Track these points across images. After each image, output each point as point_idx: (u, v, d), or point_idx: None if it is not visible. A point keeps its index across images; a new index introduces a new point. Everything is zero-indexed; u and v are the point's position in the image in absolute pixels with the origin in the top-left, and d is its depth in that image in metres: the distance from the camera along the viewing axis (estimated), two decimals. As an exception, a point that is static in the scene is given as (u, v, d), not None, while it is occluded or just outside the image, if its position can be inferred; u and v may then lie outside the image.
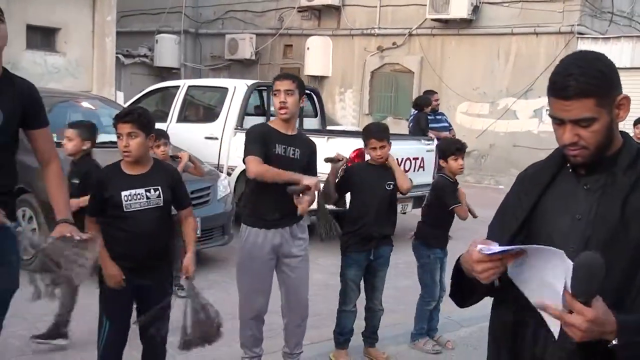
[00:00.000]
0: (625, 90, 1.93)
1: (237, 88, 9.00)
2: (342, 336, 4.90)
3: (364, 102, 17.34)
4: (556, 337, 1.78)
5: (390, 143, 4.88)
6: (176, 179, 3.74)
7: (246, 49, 18.54)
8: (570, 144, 1.88)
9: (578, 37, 14.27)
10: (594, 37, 14.40)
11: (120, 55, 16.68)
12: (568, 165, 1.98)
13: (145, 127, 3.53)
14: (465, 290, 2.06)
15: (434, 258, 5.21)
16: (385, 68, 17.11)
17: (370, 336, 5.05)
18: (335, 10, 17.55)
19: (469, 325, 5.81)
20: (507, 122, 15.22)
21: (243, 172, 8.71)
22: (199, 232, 5.70)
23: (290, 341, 4.46)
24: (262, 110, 9.68)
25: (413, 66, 16.54)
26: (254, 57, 18.67)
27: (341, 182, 4.85)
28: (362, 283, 4.92)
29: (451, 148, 5.14)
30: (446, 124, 9.82)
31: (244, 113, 8.95)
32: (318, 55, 17.54)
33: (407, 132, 10.44)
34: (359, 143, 7.51)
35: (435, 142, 9.11)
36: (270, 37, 18.54)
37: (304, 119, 9.68)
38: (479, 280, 1.88)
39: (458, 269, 2.03)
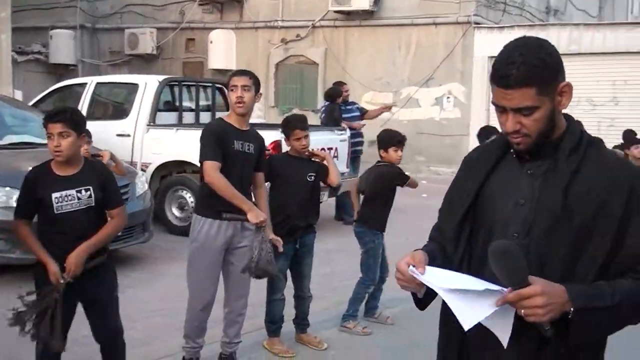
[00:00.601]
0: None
1: (148, 84, 8.88)
2: (273, 324, 4.97)
3: (270, 94, 17.38)
4: (505, 345, 1.80)
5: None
6: (107, 178, 3.70)
7: (147, 44, 18.17)
8: (512, 132, 1.87)
9: (475, 27, 14.85)
10: (490, 27, 15.02)
11: (13, 53, 15.98)
12: (512, 150, 1.97)
13: (77, 127, 3.48)
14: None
15: (378, 243, 5.39)
16: (289, 60, 17.21)
17: (302, 322, 5.14)
18: (238, 3, 17.49)
19: (393, 306, 6.01)
20: (410, 110, 15.65)
21: (157, 168, 8.66)
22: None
23: (231, 330, 4.53)
24: (173, 105, 9.58)
25: (317, 58, 16.72)
26: (155, 52, 18.33)
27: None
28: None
29: (393, 140, 5.38)
30: (357, 114, 10.01)
31: (156, 109, 8.85)
32: (221, 49, 17.41)
33: (317, 123, 10.60)
34: (275, 135, 7.60)
35: (348, 132, 9.30)
36: (171, 31, 18.24)
37: (216, 112, 9.64)
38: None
39: None
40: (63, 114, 3.49)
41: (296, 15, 16.83)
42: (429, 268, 1.89)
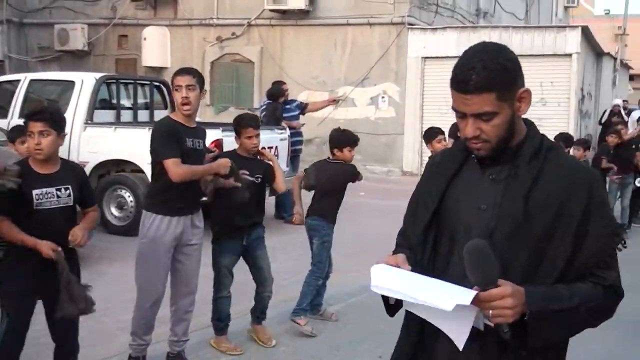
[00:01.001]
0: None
1: (85, 81, 8.74)
2: (220, 322, 5.00)
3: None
4: (461, 348, 1.78)
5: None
6: (84, 178, 3.83)
7: (78, 40, 17.78)
8: (472, 138, 1.86)
9: (408, 28, 15.13)
10: (423, 28, 15.33)
11: None
12: (473, 155, 1.96)
13: (57, 125, 3.56)
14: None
15: (331, 235, 5.51)
16: (225, 58, 17.13)
17: (260, 315, 5.18)
18: (172, -1, 17.31)
19: (336, 302, 6.13)
20: (346, 109, 15.81)
21: (95, 167, 8.52)
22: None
23: (178, 328, 4.56)
24: (110, 103, 9.44)
25: (253, 56, 16.71)
26: (86, 48, 17.96)
27: None
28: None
29: (349, 140, 5.52)
30: (296, 112, 10.07)
31: (93, 107, 8.72)
32: (155, 46, 17.19)
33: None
34: (216, 134, 7.61)
35: (288, 131, 9.37)
36: (103, 28, 17.90)
37: (155, 111, 9.56)
38: None
39: None
40: (43, 112, 3.58)
41: (231, 13, 16.77)
42: (399, 272, 1.88)
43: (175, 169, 4.15)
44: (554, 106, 14.25)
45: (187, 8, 17.21)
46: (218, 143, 7.57)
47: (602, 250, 1.86)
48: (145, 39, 17.16)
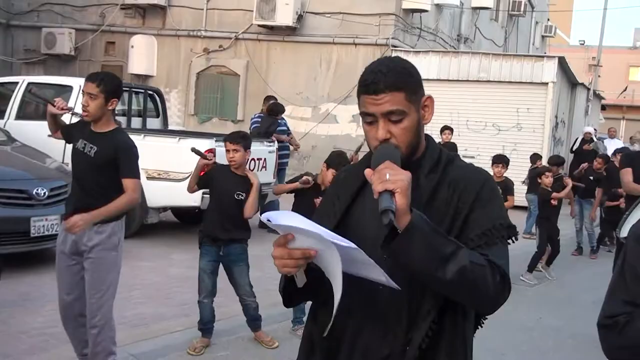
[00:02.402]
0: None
1: (79, 87, 8.92)
2: (201, 324, 5.23)
3: (190, 102, 17.54)
4: (395, 286, 1.77)
5: (248, 152, 5.19)
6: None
7: (65, 44, 17.98)
8: (383, 141, 1.87)
9: (392, 49, 15.56)
10: (407, 50, 15.78)
11: None
12: None
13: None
14: (287, 287, 1.96)
15: None
16: (211, 70, 17.43)
17: (250, 323, 5.43)
18: (161, 9, 17.58)
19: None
20: (328, 125, 16.21)
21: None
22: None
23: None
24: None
25: (239, 69, 17.02)
26: (73, 53, 18.14)
27: (204, 177, 5.25)
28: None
29: (342, 162, 5.54)
30: (285, 128, 10.42)
31: (89, 111, 8.90)
32: (142, 54, 17.43)
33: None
34: (209, 144, 7.90)
35: (276, 144, 9.69)
36: (90, 33, 18.11)
37: (147, 119, 9.81)
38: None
39: None
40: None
41: (219, 26, 17.08)
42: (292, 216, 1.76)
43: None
44: (529, 132, 14.79)
45: (175, 19, 17.50)
46: (211, 151, 7.85)
47: (483, 237, 1.85)
48: (132, 46, 17.39)
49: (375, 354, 1.89)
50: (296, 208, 5.56)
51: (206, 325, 5.19)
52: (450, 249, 1.74)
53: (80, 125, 4.24)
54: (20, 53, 19.06)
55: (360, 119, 1.97)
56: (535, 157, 11.98)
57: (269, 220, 1.71)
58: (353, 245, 1.69)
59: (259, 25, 16.34)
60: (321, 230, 1.69)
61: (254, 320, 5.41)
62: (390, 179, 1.68)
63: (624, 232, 5.20)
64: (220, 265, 5.22)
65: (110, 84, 4.03)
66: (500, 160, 8.41)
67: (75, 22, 18.38)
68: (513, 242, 1.92)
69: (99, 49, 18.41)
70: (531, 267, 8.79)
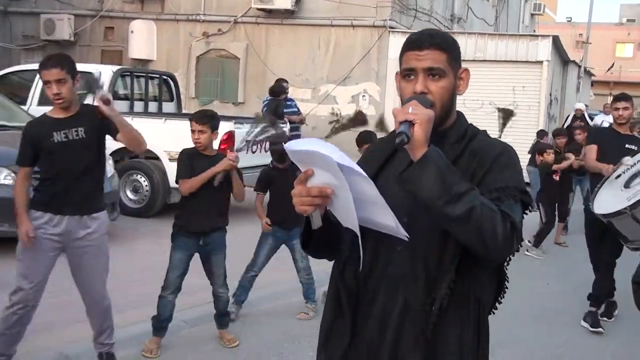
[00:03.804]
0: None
1: (103, 73, 9.17)
2: (158, 322, 4.85)
3: (190, 86, 17.79)
4: (406, 235, 1.82)
5: (216, 133, 4.78)
6: None
7: (64, 30, 18.11)
8: (420, 93, 1.91)
9: (390, 31, 15.90)
10: (403, 31, 16.10)
11: None
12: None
13: None
14: (305, 230, 1.99)
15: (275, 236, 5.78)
16: (210, 53, 17.67)
17: (218, 319, 5.12)
18: (159, -6, 17.77)
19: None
20: (328, 106, 16.56)
21: (111, 154, 9.04)
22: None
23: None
24: (124, 95, 10.01)
25: (239, 52, 17.28)
26: (72, 39, 18.32)
27: (183, 164, 4.78)
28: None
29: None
30: (295, 109, 10.77)
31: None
32: (142, 39, 17.54)
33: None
34: (229, 126, 8.26)
35: (288, 125, 10.04)
36: (90, 19, 18.29)
37: (163, 103, 10.14)
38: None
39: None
40: None
41: (218, 10, 17.30)
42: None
43: (18, 177, 4.07)
44: (524, 109, 15.18)
45: (174, 4, 17.70)
46: (230, 135, 8.21)
47: (495, 192, 1.87)
48: (132, 31, 17.54)
49: (398, 313, 1.93)
50: None
51: (163, 324, 4.85)
52: (463, 188, 1.76)
53: (39, 124, 4.08)
54: (18, 39, 19.18)
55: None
56: (542, 133, 12.40)
57: (289, 148, 1.73)
58: (364, 174, 1.73)
59: (257, 9, 16.58)
60: (338, 153, 1.70)
61: (222, 316, 5.12)
62: (412, 112, 1.77)
63: (597, 208, 5.53)
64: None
65: (71, 63, 3.93)
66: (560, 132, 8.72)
67: (73, 8, 18.52)
68: (529, 211, 1.97)
69: (98, 35, 18.59)
70: (537, 243, 9.06)
